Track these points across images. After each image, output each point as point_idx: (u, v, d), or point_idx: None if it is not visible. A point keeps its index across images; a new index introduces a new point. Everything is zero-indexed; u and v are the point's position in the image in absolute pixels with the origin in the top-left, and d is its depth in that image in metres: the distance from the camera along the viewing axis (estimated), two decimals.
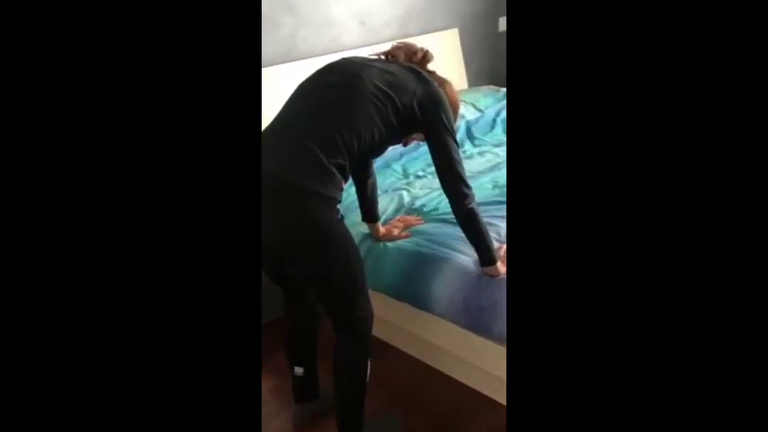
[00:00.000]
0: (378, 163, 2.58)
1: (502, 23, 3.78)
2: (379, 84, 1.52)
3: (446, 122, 1.58)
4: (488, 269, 1.70)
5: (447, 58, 3.45)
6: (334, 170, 1.46)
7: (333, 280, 1.53)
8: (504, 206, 2.12)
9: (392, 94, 1.52)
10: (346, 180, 1.52)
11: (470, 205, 1.60)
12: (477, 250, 1.68)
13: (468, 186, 1.60)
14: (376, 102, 1.50)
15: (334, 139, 1.46)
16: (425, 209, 2.17)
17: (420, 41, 3.35)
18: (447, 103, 1.60)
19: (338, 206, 1.52)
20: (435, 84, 1.62)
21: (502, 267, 1.70)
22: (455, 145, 1.60)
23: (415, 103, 1.55)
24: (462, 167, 1.60)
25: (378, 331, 1.74)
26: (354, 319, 1.60)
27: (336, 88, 1.52)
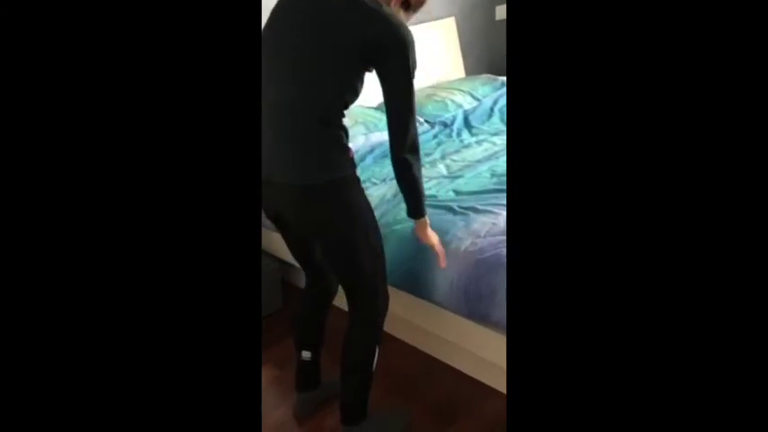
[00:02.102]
0: (376, 152, 2.59)
1: (499, 12, 3.77)
2: (341, 36, 1.45)
3: (404, 66, 1.47)
4: (417, 225, 1.72)
5: (444, 47, 3.44)
6: (340, 146, 1.51)
7: (358, 260, 1.60)
8: (502, 195, 2.12)
9: (353, 41, 1.44)
10: (347, 135, 1.55)
11: (405, 154, 1.55)
12: (407, 200, 1.67)
13: (411, 136, 1.54)
14: (343, 57, 1.45)
15: (329, 125, 1.49)
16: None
17: (418, 30, 3.36)
18: (406, 45, 1.47)
19: (356, 172, 1.58)
20: (393, 23, 1.46)
21: (426, 233, 1.72)
22: (411, 90, 1.51)
23: (371, 46, 1.45)
24: (413, 116, 1.53)
25: None
26: (370, 306, 1.65)
27: (307, 59, 1.47)
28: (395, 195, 2.21)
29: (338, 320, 1.72)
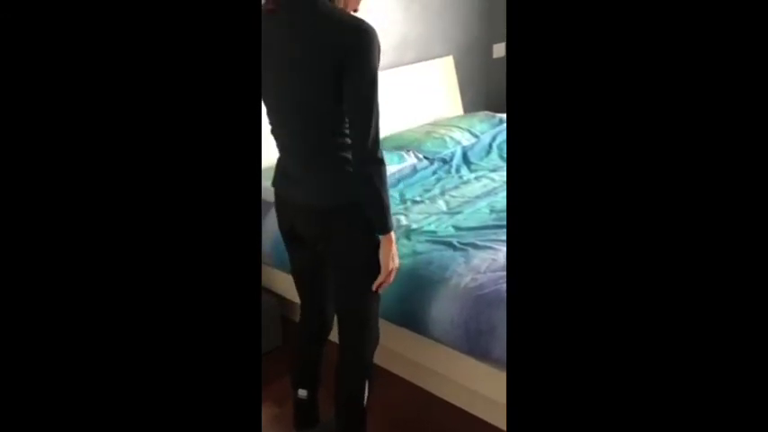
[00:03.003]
0: None
1: (496, 50, 3.83)
2: (319, 51, 1.41)
3: (366, 73, 1.40)
4: (383, 242, 1.56)
5: (443, 85, 3.49)
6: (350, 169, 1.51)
7: (359, 285, 1.60)
8: (502, 230, 2.13)
9: (330, 53, 1.40)
10: None
11: (366, 165, 1.46)
12: (372, 213, 1.52)
13: (371, 143, 1.44)
14: (327, 70, 1.41)
15: (336, 148, 1.49)
16: (424, 230, 2.19)
17: (416, 69, 3.40)
18: (369, 50, 1.39)
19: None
20: (360, 28, 1.40)
21: (387, 252, 1.57)
22: (373, 92, 1.42)
23: (342, 54, 1.40)
24: (375, 121, 1.43)
25: (376, 358, 1.75)
26: (361, 335, 1.65)
27: (297, 82, 1.46)
28: (395, 229, 2.22)
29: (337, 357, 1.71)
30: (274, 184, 1.65)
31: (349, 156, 1.51)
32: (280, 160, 1.63)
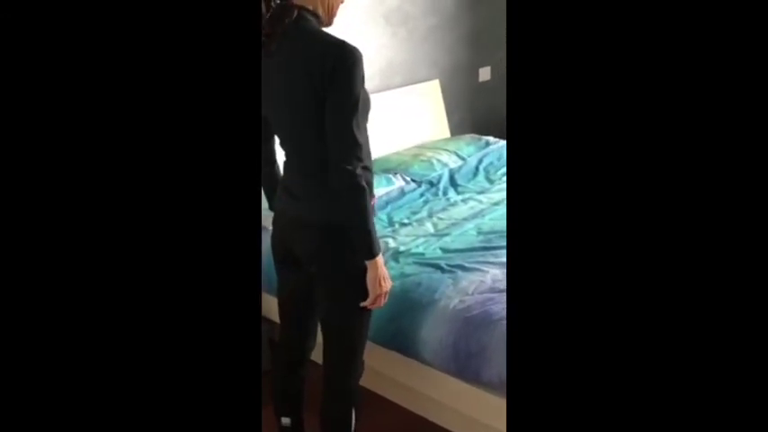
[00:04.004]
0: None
1: (481, 74, 3.88)
2: (308, 73, 1.41)
3: (348, 92, 1.39)
4: (369, 267, 1.51)
5: (429, 109, 3.52)
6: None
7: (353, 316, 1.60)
8: (489, 252, 2.15)
9: (316, 74, 1.40)
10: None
11: (351, 192, 1.41)
12: (356, 236, 1.46)
13: (359, 158, 1.40)
14: (316, 90, 1.41)
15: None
16: (412, 252, 2.20)
17: (403, 93, 3.43)
18: (353, 69, 1.39)
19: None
20: (337, 48, 1.40)
21: (375, 276, 1.52)
22: (354, 110, 1.39)
23: (327, 73, 1.40)
24: (357, 143, 1.40)
25: (365, 381, 1.74)
26: (346, 362, 1.65)
27: (292, 104, 1.48)
28: (383, 252, 2.22)
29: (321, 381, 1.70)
30: (276, 201, 1.66)
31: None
32: (283, 176, 1.64)
